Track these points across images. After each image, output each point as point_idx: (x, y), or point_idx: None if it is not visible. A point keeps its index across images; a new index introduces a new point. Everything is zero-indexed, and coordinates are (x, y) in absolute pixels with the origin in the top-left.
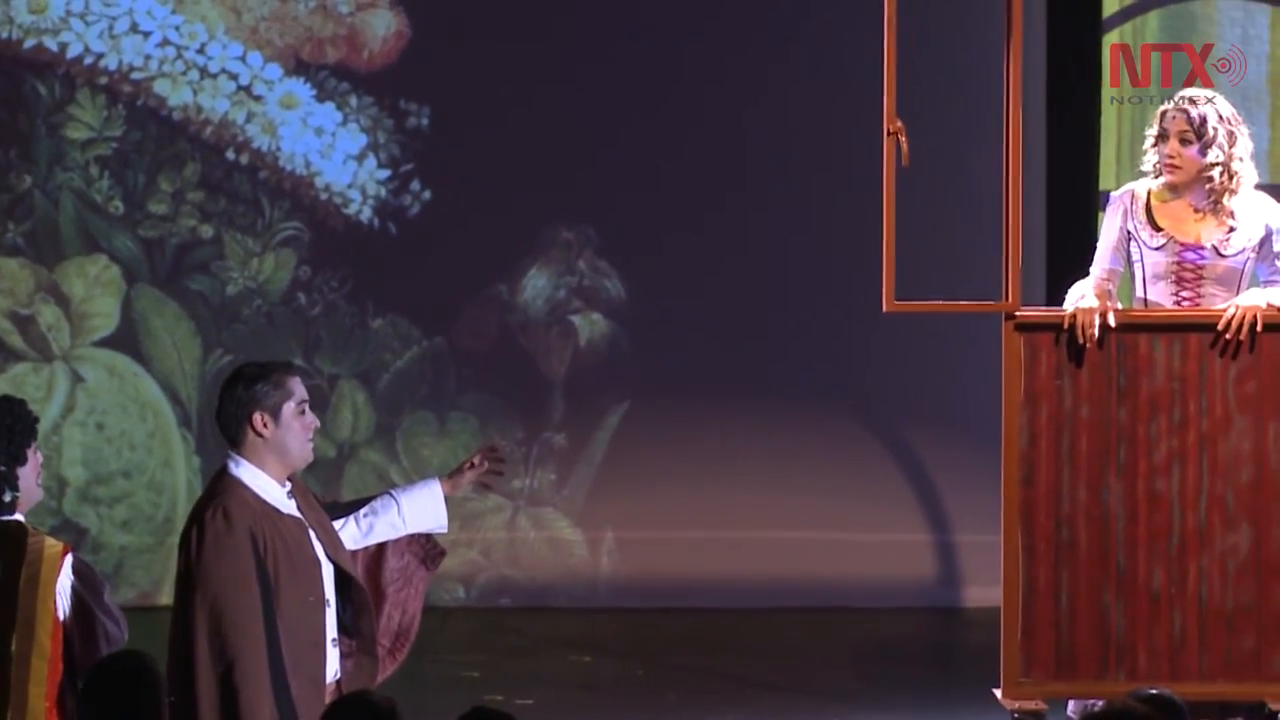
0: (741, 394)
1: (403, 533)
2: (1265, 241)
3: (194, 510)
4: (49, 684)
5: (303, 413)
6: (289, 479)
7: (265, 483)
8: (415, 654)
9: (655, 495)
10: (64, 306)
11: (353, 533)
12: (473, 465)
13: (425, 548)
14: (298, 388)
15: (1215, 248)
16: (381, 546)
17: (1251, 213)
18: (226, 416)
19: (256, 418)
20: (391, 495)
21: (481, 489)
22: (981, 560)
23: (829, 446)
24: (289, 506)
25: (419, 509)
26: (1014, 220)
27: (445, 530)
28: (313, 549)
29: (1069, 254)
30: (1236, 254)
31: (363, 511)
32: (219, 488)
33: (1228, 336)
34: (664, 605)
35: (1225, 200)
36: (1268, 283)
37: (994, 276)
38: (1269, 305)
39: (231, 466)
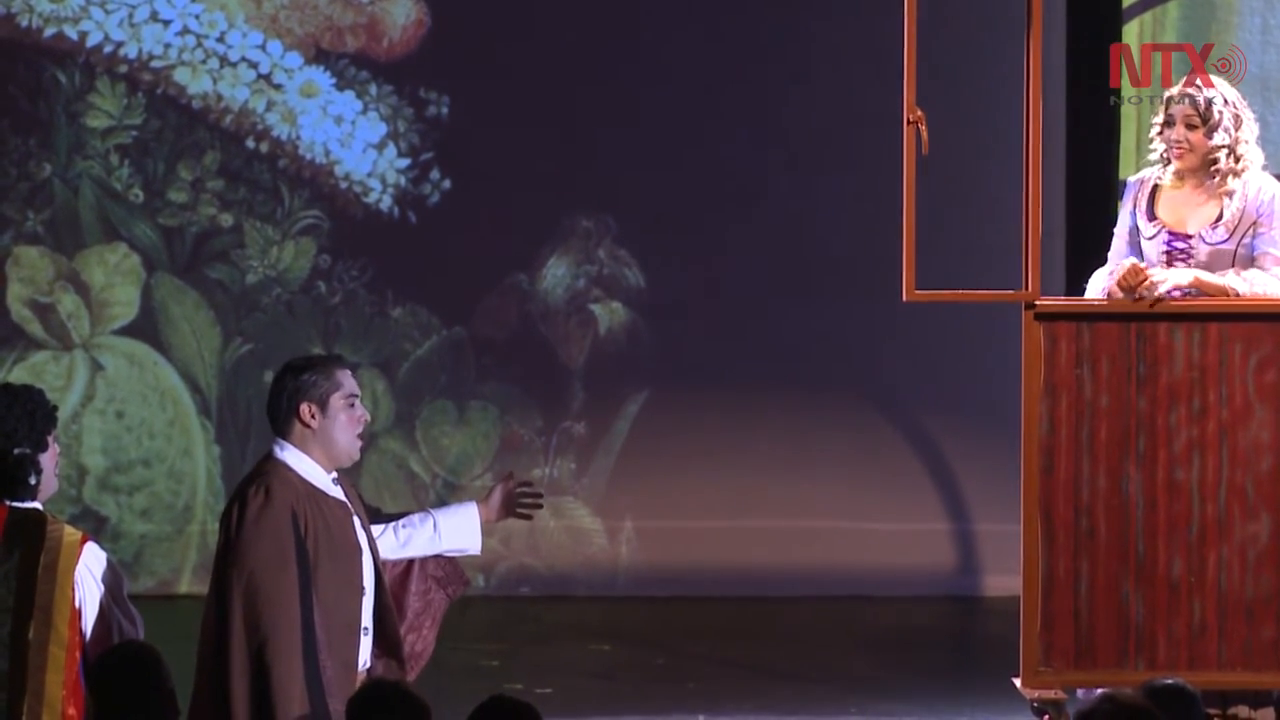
0: (760, 383)
1: (438, 549)
2: (1263, 221)
3: (237, 489)
4: (66, 671)
5: (351, 406)
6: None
7: (310, 467)
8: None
9: (674, 484)
10: (84, 295)
11: (390, 542)
12: (502, 486)
13: (449, 572)
14: (347, 380)
15: (1200, 235)
16: (408, 569)
17: (1246, 194)
18: (275, 407)
19: (304, 408)
20: (429, 513)
21: (520, 519)
22: (1001, 549)
23: (848, 435)
24: (334, 490)
25: (455, 528)
26: (1034, 209)
27: (478, 553)
28: (355, 534)
29: (1089, 243)
30: (1223, 240)
31: (401, 523)
32: (263, 469)
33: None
34: (683, 594)
35: (1229, 182)
36: (1261, 254)
37: (1014, 266)
38: (1195, 281)
39: (277, 450)
